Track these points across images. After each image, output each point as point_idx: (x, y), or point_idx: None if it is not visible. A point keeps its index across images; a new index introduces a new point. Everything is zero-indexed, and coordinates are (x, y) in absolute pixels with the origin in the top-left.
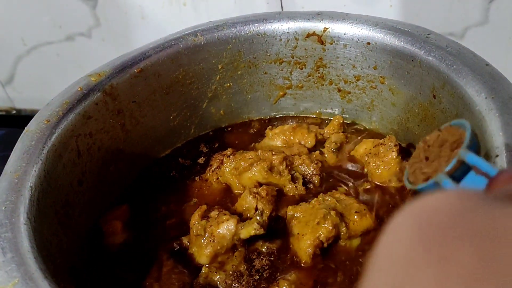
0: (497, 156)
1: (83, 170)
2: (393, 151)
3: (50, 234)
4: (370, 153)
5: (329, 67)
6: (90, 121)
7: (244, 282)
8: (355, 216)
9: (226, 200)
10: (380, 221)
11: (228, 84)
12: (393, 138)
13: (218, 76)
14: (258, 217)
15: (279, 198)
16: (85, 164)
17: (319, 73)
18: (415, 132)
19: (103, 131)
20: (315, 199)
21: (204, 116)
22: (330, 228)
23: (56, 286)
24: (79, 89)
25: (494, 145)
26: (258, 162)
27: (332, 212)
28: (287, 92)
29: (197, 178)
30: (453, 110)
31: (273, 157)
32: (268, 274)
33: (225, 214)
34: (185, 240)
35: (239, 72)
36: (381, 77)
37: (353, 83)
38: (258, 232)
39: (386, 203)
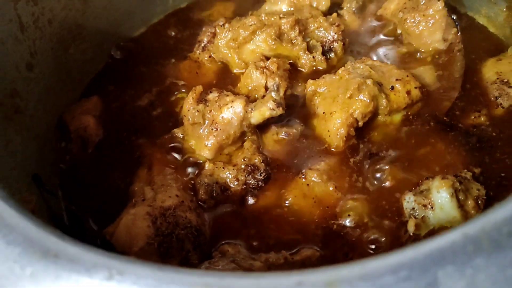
0: None
1: (31, 50)
2: (438, 1)
3: None
4: (405, 7)
5: None
6: None
7: (261, 177)
8: (396, 85)
9: (225, 82)
10: (426, 90)
11: None
12: None
13: None
14: (273, 94)
15: (291, 74)
16: (33, 41)
17: None
18: None
19: None
20: (342, 68)
21: None
22: (368, 101)
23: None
24: None
25: None
26: (263, 29)
27: (369, 81)
28: None
29: (183, 59)
30: None
31: (282, 21)
32: (290, 166)
33: (227, 95)
34: (178, 133)
35: None
36: None
37: None
38: (275, 113)
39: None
